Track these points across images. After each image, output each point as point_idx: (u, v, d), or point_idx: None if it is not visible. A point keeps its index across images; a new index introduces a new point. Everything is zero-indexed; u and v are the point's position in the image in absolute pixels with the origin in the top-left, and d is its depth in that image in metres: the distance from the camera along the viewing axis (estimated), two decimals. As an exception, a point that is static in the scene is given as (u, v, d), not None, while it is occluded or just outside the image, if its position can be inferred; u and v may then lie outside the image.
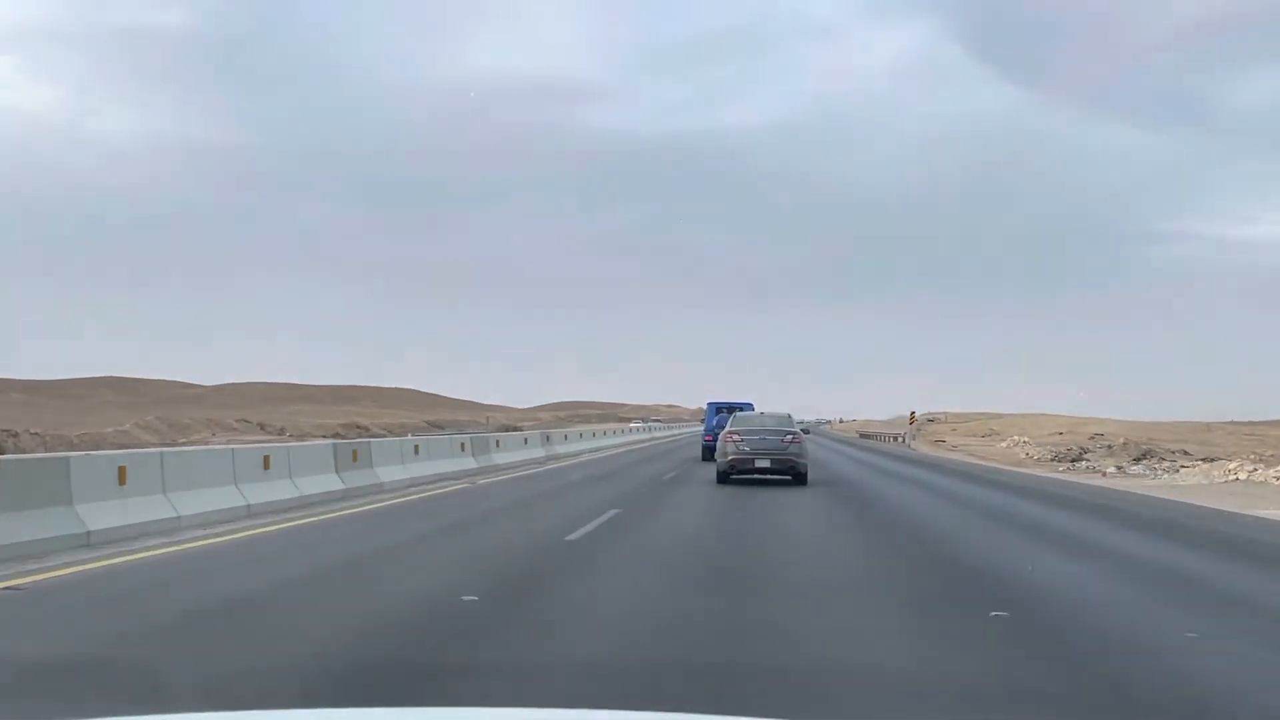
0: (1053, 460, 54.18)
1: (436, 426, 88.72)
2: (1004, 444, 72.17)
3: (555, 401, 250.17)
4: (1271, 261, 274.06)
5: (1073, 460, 54.01)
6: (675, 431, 72.81)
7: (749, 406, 29.54)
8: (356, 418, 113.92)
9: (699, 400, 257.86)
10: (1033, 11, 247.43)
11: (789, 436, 22.39)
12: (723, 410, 30.02)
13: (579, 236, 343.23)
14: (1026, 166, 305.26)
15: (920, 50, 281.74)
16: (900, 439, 69.49)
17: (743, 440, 22.19)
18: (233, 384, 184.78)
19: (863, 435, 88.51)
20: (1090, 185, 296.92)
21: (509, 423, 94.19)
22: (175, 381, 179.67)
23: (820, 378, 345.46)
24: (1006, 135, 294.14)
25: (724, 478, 22.13)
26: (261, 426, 57.74)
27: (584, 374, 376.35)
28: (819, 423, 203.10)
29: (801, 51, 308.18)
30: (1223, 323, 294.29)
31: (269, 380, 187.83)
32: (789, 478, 22.18)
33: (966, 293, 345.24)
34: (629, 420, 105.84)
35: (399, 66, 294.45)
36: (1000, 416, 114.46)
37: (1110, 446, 64.23)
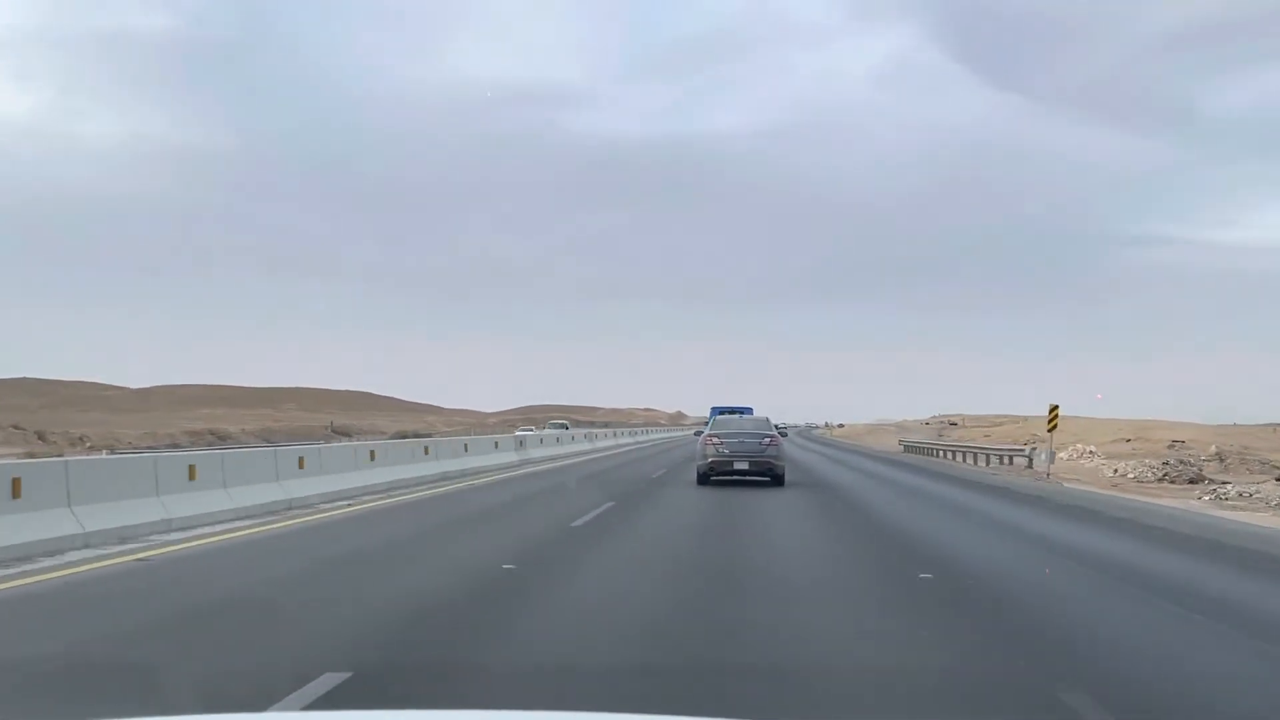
0: (1163, 481, 37.73)
1: (341, 434, 71.68)
2: (1062, 455, 55.55)
3: (526, 405, 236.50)
4: (1252, 266, 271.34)
5: (1190, 481, 37.53)
6: (603, 446, 50.40)
7: (749, 411, 27.83)
8: (267, 421, 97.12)
9: (678, 404, 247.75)
10: (1016, 17, 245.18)
11: (767, 439, 22.65)
12: (726, 414, 28.55)
13: (561, 241, 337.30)
14: (1010, 170, 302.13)
15: (904, 55, 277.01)
16: (1024, 460, 41.24)
17: (722, 443, 22.45)
18: (158, 386, 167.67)
19: (910, 448, 55.54)
20: (1071, 189, 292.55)
21: (419, 429, 77.31)
22: (93, 383, 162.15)
23: (804, 382, 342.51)
24: (991, 139, 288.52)
25: (704, 479, 22.25)
26: (41, 436, 41.02)
27: (563, 377, 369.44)
28: (809, 427, 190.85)
29: (785, 56, 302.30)
30: (1205, 325, 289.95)
31: (203, 383, 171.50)
32: (767, 479, 22.28)
33: (954, 296, 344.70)
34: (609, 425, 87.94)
35: (381, 70, 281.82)
36: (1022, 420, 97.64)
37: (1222, 460, 47.68)
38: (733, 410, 29.58)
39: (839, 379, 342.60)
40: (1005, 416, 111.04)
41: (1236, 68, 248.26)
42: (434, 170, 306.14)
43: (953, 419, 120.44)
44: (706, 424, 31.16)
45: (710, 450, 22.27)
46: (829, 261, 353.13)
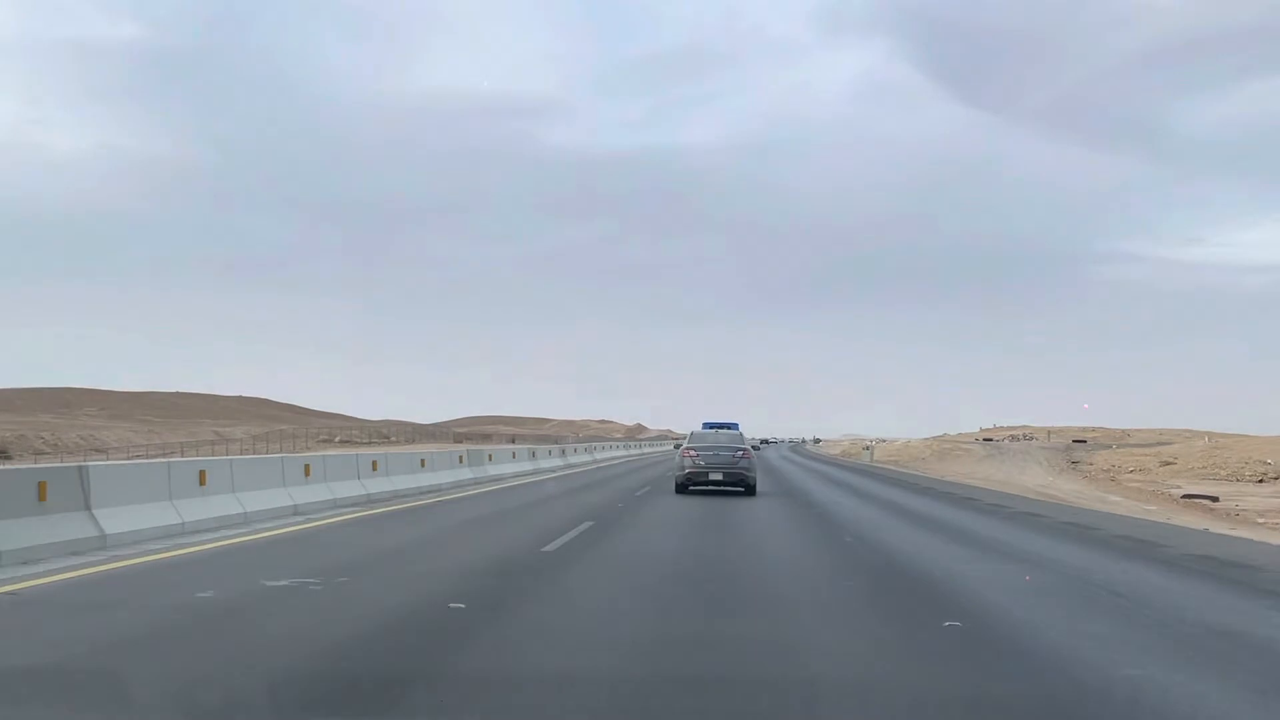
0: None
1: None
2: None
3: (471, 415, 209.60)
4: (1217, 281, 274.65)
5: None
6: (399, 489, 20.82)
7: (735, 427, 28.66)
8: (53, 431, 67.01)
9: (638, 417, 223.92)
10: (987, 34, 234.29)
11: (740, 452, 24.48)
12: (716, 429, 29.14)
13: (531, 253, 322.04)
14: (980, 186, 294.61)
15: (876, 71, 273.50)
16: None
17: (699, 456, 24.36)
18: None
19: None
20: (1040, 206, 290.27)
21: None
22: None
23: (775, 395, 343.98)
24: (961, 155, 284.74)
25: (682, 488, 24.19)
26: None
27: (516, 389, 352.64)
28: (800, 442, 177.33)
29: (759, 71, 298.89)
30: (1173, 340, 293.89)
31: (65, 386, 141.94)
32: (740, 489, 23.94)
33: (937, 310, 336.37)
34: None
35: (352, 81, 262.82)
36: (1166, 434, 67.14)
37: None
38: (720, 426, 28.30)
39: (815, 394, 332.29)
40: (1097, 430, 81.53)
41: (1205, 87, 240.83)
42: (393, 183, 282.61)
43: (1079, 435, 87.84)
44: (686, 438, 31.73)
45: (688, 462, 24.27)
46: (798, 276, 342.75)
